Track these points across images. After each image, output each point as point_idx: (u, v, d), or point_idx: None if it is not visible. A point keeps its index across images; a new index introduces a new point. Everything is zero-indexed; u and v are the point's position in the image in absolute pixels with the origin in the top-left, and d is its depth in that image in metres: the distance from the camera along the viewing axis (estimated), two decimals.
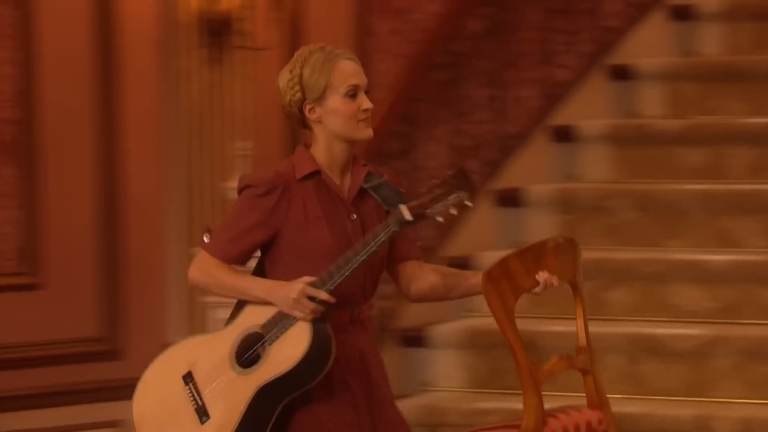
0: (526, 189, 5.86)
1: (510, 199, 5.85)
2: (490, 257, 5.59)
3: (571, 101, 6.18)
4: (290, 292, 3.49)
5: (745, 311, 5.20)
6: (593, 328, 5.17)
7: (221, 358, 3.63)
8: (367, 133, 3.56)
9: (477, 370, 5.29)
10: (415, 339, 5.39)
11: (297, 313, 3.49)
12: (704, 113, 6.01)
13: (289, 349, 3.51)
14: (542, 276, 3.58)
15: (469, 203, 3.41)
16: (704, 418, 4.80)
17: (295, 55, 3.59)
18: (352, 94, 3.54)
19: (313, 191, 3.57)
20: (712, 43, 6.30)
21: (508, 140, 6.01)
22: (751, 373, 4.98)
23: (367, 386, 3.56)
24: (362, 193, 3.57)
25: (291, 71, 3.57)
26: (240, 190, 3.61)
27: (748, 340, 5.00)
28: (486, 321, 5.48)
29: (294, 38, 6.15)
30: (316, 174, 3.57)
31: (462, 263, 5.60)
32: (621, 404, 5.04)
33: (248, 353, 3.58)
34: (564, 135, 6.07)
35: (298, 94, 3.56)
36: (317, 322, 3.52)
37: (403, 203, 3.46)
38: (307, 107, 3.56)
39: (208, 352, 3.67)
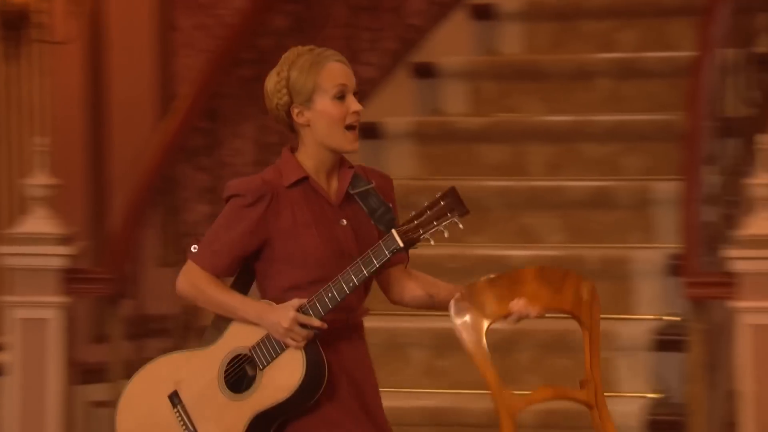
0: None
1: None
2: None
3: (376, 98, 6.25)
4: (282, 319, 3.41)
5: None
6: (398, 323, 5.25)
7: (209, 379, 3.55)
8: (353, 146, 3.48)
9: None
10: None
11: (289, 342, 3.42)
12: (505, 111, 6.15)
13: (283, 377, 3.46)
14: (515, 305, 3.50)
15: (461, 225, 3.36)
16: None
17: (283, 57, 3.51)
18: (341, 95, 3.46)
19: (302, 198, 3.49)
20: (512, 42, 6.43)
21: None
22: (551, 365, 5.09)
23: (359, 393, 3.50)
24: (349, 196, 3.49)
25: (278, 74, 3.49)
26: (226, 199, 3.51)
27: (548, 333, 5.13)
28: None
29: (94, 32, 6.06)
30: (304, 180, 3.49)
31: None
32: (424, 398, 5.12)
33: (238, 377, 3.51)
34: (369, 132, 6.10)
35: (285, 98, 3.47)
36: (309, 345, 3.45)
37: (394, 226, 3.40)
38: (295, 110, 3.48)
39: (194, 371, 3.57)
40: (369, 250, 3.42)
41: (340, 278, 3.42)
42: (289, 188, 3.49)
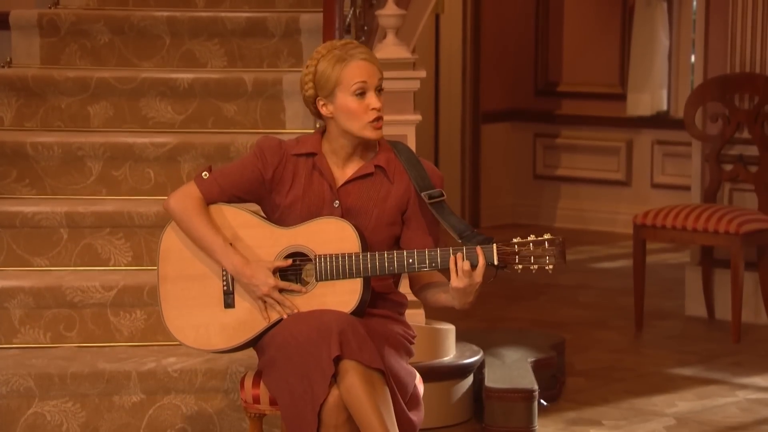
0: (11, 12, 5.93)
1: None
2: None
3: None
4: (259, 285, 3.52)
5: (207, 122, 5.53)
6: (78, 138, 5.44)
7: (263, 255, 3.56)
8: (375, 134, 3.56)
9: None
10: None
11: (267, 308, 3.51)
12: None
13: (341, 298, 3.50)
14: None
15: (550, 272, 3.38)
16: None
17: (316, 49, 3.59)
18: (360, 92, 3.53)
19: (304, 171, 3.59)
20: None
21: None
22: None
23: None
24: (353, 181, 3.56)
25: (308, 66, 3.59)
26: (255, 145, 3.64)
27: (210, 146, 5.33)
28: None
29: None
30: (312, 155, 3.58)
31: None
32: (99, 204, 5.16)
33: (288, 270, 3.55)
34: None
35: (311, 91, 3.58)
36: (366, 289, 3.51)
37: (490, 242, 3.35)
38: (320, 103, 3.58)
39: (254, 238, 3.56)
40: (452, 248, 3.40)
41: (394, 254, 3.45)
42: (296, 157, 3.61)
